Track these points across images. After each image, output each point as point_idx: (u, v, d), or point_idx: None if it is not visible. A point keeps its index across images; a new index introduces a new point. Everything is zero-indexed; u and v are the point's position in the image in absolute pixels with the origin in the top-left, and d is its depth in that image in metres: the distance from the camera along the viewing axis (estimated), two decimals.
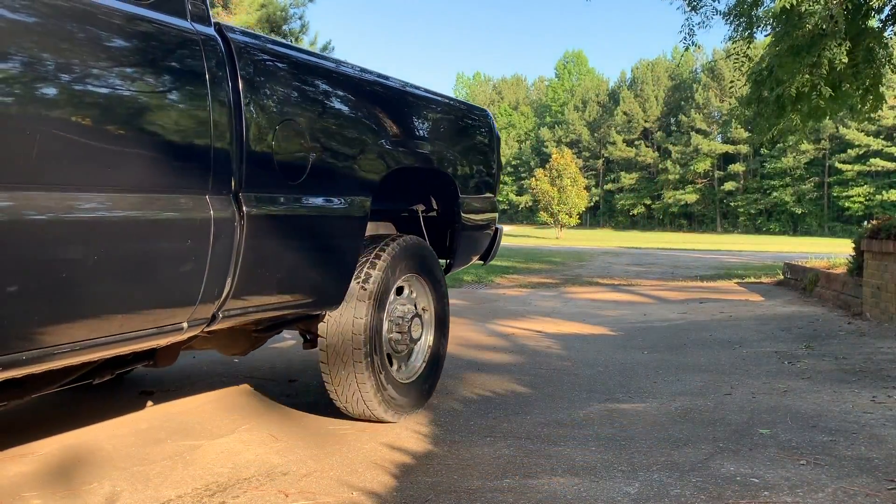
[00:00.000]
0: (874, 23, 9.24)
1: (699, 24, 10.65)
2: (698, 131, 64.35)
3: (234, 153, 2.05)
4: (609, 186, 73.02)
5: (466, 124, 3.48)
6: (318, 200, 2.42)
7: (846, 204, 55.45)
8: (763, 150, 52.92)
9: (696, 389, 3.57)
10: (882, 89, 9.58)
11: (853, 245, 6.49)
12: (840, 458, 2.46)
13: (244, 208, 2.07)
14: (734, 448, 2.59)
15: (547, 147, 64.60)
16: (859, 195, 54.24)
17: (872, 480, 2.24)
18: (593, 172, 72.43)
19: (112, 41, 1.74)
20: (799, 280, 8.46)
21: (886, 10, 9.10)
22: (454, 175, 3.24)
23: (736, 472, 2.32)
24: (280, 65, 2.32)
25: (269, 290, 2.29)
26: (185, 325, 2.03)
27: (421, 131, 3.04)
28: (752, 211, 62.21)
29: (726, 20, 10.05)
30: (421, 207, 3.37)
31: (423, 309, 3.10)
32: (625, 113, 71.14)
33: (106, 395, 3.33)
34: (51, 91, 1.59)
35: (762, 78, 9.78)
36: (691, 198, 65.24)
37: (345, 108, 2.59)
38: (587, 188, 47.79)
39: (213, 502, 2.08)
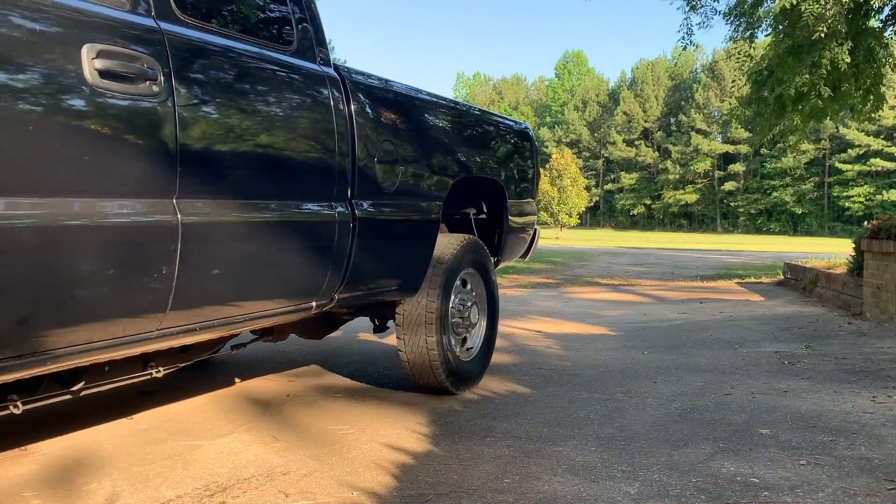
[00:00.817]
0: (874, 23, 9.24)
1: (699, 24, 10.67)
2: (698, 131, 64.34)
3: (350, 168, 2.59)
4: (609, 186, 73.01)
5: (512, 138, 4.00)
6: (406, 206, 2.97)
7: (846, 204, 55.43)
8: (763, 150, 52.96)
9: (696, 389, 3.57)
10: (882, 89, 9.58)
11: (853, 245, 6.49)
12: (840, 458, 2.46)
13: (356, 212, 2.62)
14: (734, 448, 2.59)
15: (547, 147, 64.56)
16: (859, 195, 54.23)
17: (872, 480, 2.24)
18: (593, 172, 72.41)
19: (271, 80, 2.34)
20: (799, 280, 8.45)
21: (886, 10, 9.10)
22: (503, 182, 3.73)
23: (736, 472, 2.32)
24: (378, 96, 2.88)
25: (369, 279, 2.84)
26: (313, 305, 2.58)
27: (478, 145, 3.60)
28: (753, 211, 62.19)
29: (726, 20, 10.05)
30: (472, 210, 3.81)
31: (478, 299, 3.59)
32: (625, 113, 71.13)
33: (106, 395, 3.33)
34: (245, 124, 2.19)
35: (762, 78, 9.78)
36: (691, 198, 65.24)
37: (424, 129, 3.16)
38: (587, 188, 47.77)
39: (212, 502, 2.08)
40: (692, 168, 64.62)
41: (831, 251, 12.20)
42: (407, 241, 3.05)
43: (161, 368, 2.48)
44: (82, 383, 2.23)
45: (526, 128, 4.26)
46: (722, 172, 64.56)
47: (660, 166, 67.79)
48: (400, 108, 3.03)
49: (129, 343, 1.96)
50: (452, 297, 3.32)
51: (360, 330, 5.11)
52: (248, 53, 2.26)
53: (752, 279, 10.41)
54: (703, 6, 10.44)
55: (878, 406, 3.16)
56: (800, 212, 58.80)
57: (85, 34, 1.74)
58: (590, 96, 77.34)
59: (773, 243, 32.19)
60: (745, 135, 51.67)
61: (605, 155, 72.41)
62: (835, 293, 6.92)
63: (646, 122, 70.30)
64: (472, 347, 3.54)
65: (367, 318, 3.57)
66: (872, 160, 53.47)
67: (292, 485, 2.21)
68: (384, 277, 2.96)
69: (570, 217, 42.75)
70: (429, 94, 3.33)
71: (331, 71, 2.62)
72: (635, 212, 70.28)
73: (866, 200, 53.56)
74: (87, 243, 1.75)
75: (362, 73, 2.84)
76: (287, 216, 2.35)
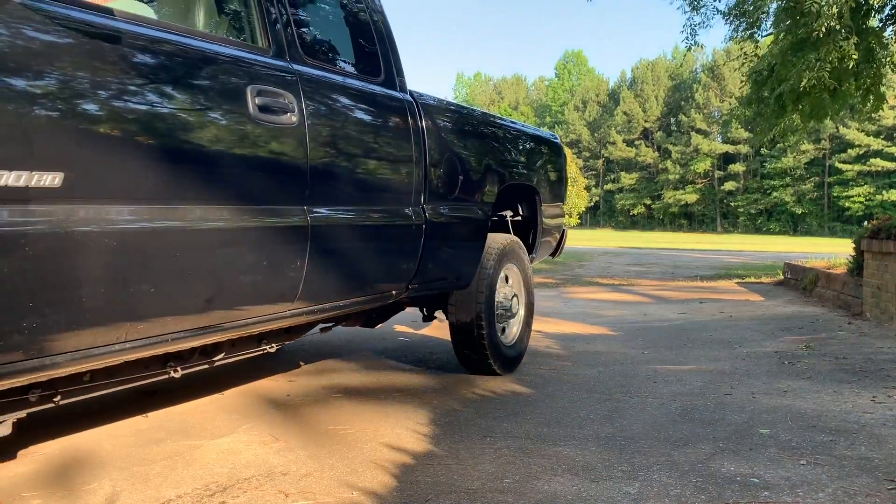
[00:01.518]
0: (874, 22, 9.23)
1: (700, 24, 10.65)
2: (698, 131, 64.30)
3: (423, 177, 3.06)
4: (609, 186, 72.96)
5: (546, 148, 4.47)
6: (463, 209, 3.42)
7: (846, 204, 55.39)
8: (763, 151, 52.96)
9: (696, 389, 3.57)
10: (882, 89, 9.58)
11: (853, 245, 6.48)
12: (840, 458, 2.46)
13: (427, 215, 3.07)
14: (734, 448, 2.59)
15: None
16: (859, 195, 54.19)
17: (872, 480, 2.24)
18: (593, 172, 72.36)
19: (369, 107, 2.85)
20: (799, 280, 8.45)
21: (887, 10, 9.10)
22: (539, 188, 4.19)
23: (736, 472, 2.32)
24: (442, 115, 3.36)
25: (435, 273, 3.27)
26: (393, 293, 3.06)
27: (520, 156, 4.09)
28: (752, 211, 62.14)
29: (727, 20, 10.05)
30: (509, 213, 4.23)
31: (518, 292, 4.04)
32: (625, 113, 71.10)
33: (106, 395, 3.33)
34: (353, 144, 2.69)
35: (762, 78, 9.78)
36: (691, 198, 65.20)
37: (479, 143, 3.65)
38: (587, 188, 47.75)
39: (212, 502, 2.08)
40: (692, 168, 64.59)
41: (831, 251, 12.19)
42: (464, 240, 3.48)
43: (273, 345, 2.85)
44: (222, 354, 2.59)
45: (557, 139, 4.77)
46: (722, 172, 64.52)
47: (660, 166, 67.76)
48: (459, 124, 3.53)
49: (271, 320, 2.41)
50: (497, 290, 3.76)
51: (355, 332, 5.11)
52: (352, 86, 2.78)
53: (752, 279, 10.41)
54: (703, 5, 10.44)
55: (878, 406, 3.16)
56: (800, 212, 58.75)
57: (250, 79, 2.21)
58: (590, 96, 77.30)
59: (773, 243, 32.19)
60: (745, 135, 51.64)
61: (605, 155, 72.36)
62: (835, 293, 6.92)
63: (646, 122, 70.26)
64: (512, 335, 4.00)
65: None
66: (872, 160, 53.43)
67: (292, 485, 2.21)
68: (446, 271, 3.39)
69: (570, 217, 42.68)
70: (481, 112, 3.94)
71: (407, 96, 3.11)
72: (635, 212, 70.24)
73: (866, 200, 53.51)
74: (253, 241, 2.22)
75: (429, 97, 3.31)
76: (382, 219, 2.84)
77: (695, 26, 10.63)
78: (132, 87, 1.82)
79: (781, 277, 9.63)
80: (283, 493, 2.14)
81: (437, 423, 2.91)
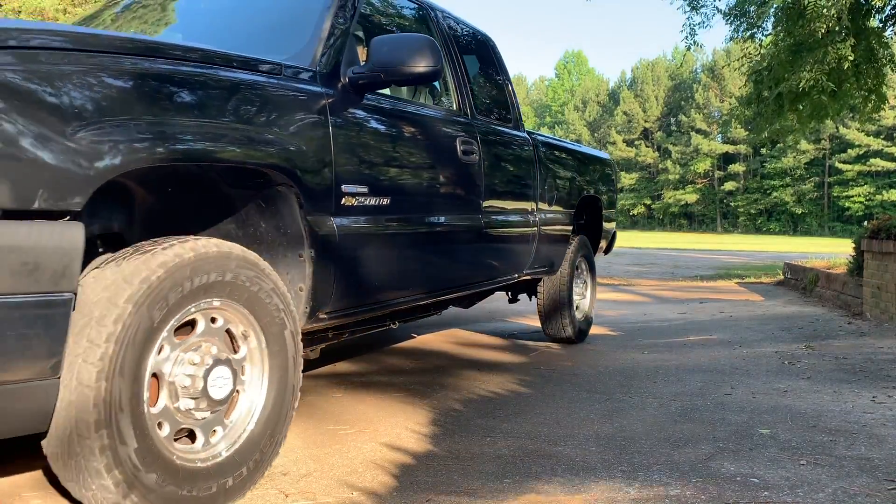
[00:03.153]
0: (874, 23, 9.23)
1: (700, 24, 10.65)
2: (698, 131, 64.27)
3: (537, 193, 4.19)
4: None
5: (604, 166, 5.64)
6: (558, 215, 4.50)
7: (846, 204, 55.37)
8: (763, 150, 52.95)
9: (696, 389, 3.57)
10: (883, 89, 9.58)
11: (853, 245, 6.49)
12: (840, 458, 2.46)
13: (538, 219, 4.18)
14: (734, 448, 2.59)
15: None
16: (859, 195, 54.17)
17: (872, 480, 2.24)
18: None
19: (511, 145, 4.02)
20: (799, 280, 8.45)
21: (887, 10, 9.10)
22: (600, 196, 5.28)
23: (736, 472, 2.32)
24: (546, 146, 4.48)
25: (540, 262, 4.34)
26: (516, 276, 4.15)
27: (590, 173, 5.22)
28: (752, 211, 62.12)
29: (727, 20, 10.05)
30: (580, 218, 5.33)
31: (586, 279, 5.19)
32: (625, 113, 71.08)
33: None
34: (506, 172, 3.88)
35: (762, 78, 9.78)
36: (691, 198, 65.18)
37: (571, 164, 4.91)
38: None
39: None
40: (692, 168, 64.56)
41: (831, 251, 12.19)
42: (558, 238, 4.54)
43: (450, 306, 4.18)
44: (449, 307, 4.12)
45: (610, 158, 6.00)
46: (722, 172, 64.50)
47: (660, 166, 67.74)
48: (556, 153, 4.69)
49: (463, 288, 3.63)
50: (574, 275, 4.86)
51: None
52: (500, 131, 3.92)
53: (752, 279, 10.41)
54: (703, 5, 10.44)
55: (878, 406, 3.16)
56: (800, 212, 58.73)
57: (457, 132, 3.31)
58: (590, 96, 77.26)
59: (773, 243, 32.18)
60: (745, 135, 51.60)
61: None
62: (835, 293, 6.92)
63: (646, 122, 70.24)
64: (582, 313, 5.12)
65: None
66: (872, 160, 53.41)
67: (292, 485, 2.21)
68: (546, 261, 4.42)
69: None
70: (569, 142, 5.41)
71: (525, 134, 4.26)
72: (635, 212, 70.20)
73: (866, 200, 53.49)
74: (456, 236, 3.34)
75: (538, 133, 4.57)
76: (517, 222, 3.95)
77: (695, 26, 10.64)
78: (415, 149, 2.99)
79: (781, 277, 9.63)
80: (283, 493, 2.14)
81: (437, 423, 2.91)
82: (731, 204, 64.26)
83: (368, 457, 2.48)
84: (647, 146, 69.59)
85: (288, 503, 2.08)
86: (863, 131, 52.14)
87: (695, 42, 10.73)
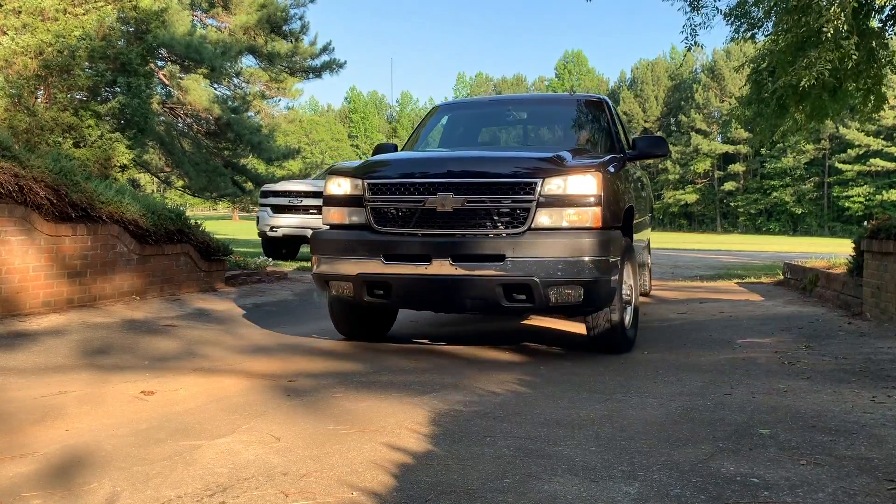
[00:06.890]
0: (875, 23, 9.23)
1: (700, 24, 10.64)
2: (698, 131, 64.33)
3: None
4: None
5: (642, 179, 6.76)
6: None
7: (846, 204, 55.42)
8: (763, 151, 52.90)
9: (696, 389, 3.57)
10: (883, 89, 9.58)
11: (853, 245, 6.48)
12: (840, 458, 2.46)
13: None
14: (734, 448, 2.59)
15: None
16: (859, 195, 54.21)
17: (872, 480, 2.24)
18: None
19: (629, 171, 5.56)
20: (799, 280, 8.45)
21: (887, 10, 9.10)
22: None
23: (736, 472, 2.32)
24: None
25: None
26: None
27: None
28: (752, 211, 62.17)
29: (727, 20, 10.04)
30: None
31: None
32: (625, 113, 71.06)
33: (106, 395, 3.33)
34: (633, 193, 5.58)
35: (762, 78, 9.78)
36: (691, 198, 65.24)
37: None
38: None
39: (213, 502, 2.08)
40: (692, 168, 64.62)
41: (831, 251, 12.19)
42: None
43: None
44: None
45: (644, 170, 7.45)
46: (722, 172, 64.55)
47: (660, 166, 67.77)
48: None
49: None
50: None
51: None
52: (625, 163, 5.21)
53: (752, 279, 10.41)
54: (704, 6, 10.44)
55: (878, 406, 3.16)
56: (800, 212, 58.78)
57: (631, 165, 5.68)
58: None
59: (772, 243, 32.19)
60: (745, 135, 51.61)
61: None
62: (835, 293, 6.92)
63: (646, 122, 70.29)
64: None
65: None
66: (872, 160, 53.45)
67: (292, 485, 2.21)
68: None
69: None
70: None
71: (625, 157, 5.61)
72: None
73: (866, 200, 53.54)
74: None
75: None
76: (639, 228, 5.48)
77: (695, 27, 10.63)
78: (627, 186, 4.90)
79: (781, 277, 9.62)
80: (283, 493, 2.14)
81: (437, 423, 2.91)
82: (731, 204, 64.30)
83: (368, 457, 2.48)
84: None
85: (288, 503, 2.08)
86: (863, 131, 52.15)
87: (695, 43, 10.73)
